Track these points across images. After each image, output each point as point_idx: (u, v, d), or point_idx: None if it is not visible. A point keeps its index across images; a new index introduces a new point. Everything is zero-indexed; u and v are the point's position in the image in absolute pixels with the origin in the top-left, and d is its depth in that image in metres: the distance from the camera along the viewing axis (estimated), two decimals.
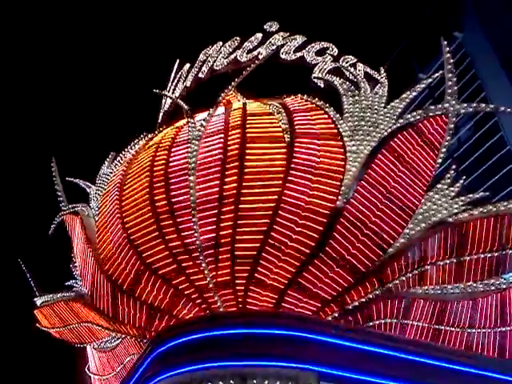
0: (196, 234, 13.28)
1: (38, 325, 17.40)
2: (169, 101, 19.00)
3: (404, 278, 13.62)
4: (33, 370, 30.11)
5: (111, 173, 16.92)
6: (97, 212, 16.13)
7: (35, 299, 17.39)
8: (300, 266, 13.17)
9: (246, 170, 13.69)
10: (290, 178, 13.58)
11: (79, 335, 16.57)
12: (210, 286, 13.26)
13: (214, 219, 13.36)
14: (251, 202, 13.40)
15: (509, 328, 14.19)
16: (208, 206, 13.47)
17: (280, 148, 14.18)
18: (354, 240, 13.34)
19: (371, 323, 13.32)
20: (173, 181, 14.09)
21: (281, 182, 13.53)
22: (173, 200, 13.85)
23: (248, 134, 14.36)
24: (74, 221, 16.83)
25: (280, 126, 14.74)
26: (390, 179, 13.91)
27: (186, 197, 13.66)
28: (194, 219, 13.38)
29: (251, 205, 13.38)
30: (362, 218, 13.44)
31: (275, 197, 13.39)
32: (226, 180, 13.66)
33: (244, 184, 13.51)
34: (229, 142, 14.24)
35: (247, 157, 13.89)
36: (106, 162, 17.73)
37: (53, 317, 16.79)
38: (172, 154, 14.68)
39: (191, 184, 13.63)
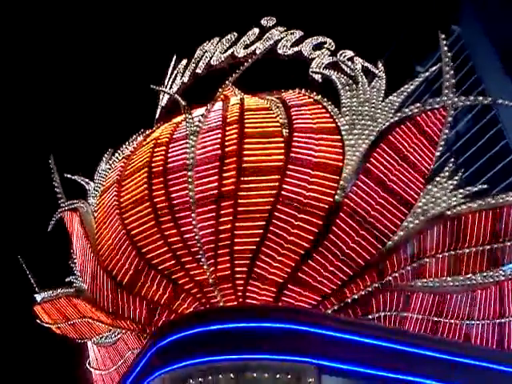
0: (195, 230, 13.27)
1: (38, 321, 17.45)
2: (166, 96, 18.98)
3: (403, 271, 13.67)
4: (34, 366, 30.18)
5: (109, 169, 16.90)
6: (95, 208, 16.13)
7: (35, 295, 17.43)
8: (299, 259, 13.20)
9: (244, 166, 13.67)
10: (288, 172, 13.57)
11: (79, 331, 16.61)
12: (210, 280, 13.28)
13: (213, 215, 13.35)
14: (250, 197, 13.39)
15: (508, 319, 14.24)
16: (207, 201, 13.45)
17: (278, 143, 14.17)
18: (353, 234, 13.37)
19: (370, 316, 13.35)
20: (171, 177, 14.05)
21: (279, 176, 13.53)
22: (172, 196, 13.82)
23: (246, 130, 14.34)
24: (72, 217, 16.82)
25: (278, 121, 14.72)
26: (389, 173, 13.92)
27: (184, 192, 13.63)
28: (193, 214, 13.37)
29: (250, 200, 13.36)
30: (360, 211, 13.47)
31: (274, 191, 13.39)
32: (225, 176, 13.64)
33: (242, 179, 13.50)
34: (226, 138, 14.21)
35: (245, 152, 13.88)
36: (104, 159, 17.69)
37: (53, 313, 16.82)
38: (170, 150, 14.64)
39: (190, 180, 13.61)
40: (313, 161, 13.88)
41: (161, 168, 14.34)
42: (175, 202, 13.75)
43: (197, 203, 13.44)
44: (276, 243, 13.17)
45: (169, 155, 14.54)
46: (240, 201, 13.36)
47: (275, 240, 13.16)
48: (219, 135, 14.32)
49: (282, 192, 13.37)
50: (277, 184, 13.46)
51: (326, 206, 13.34)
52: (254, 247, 13.16)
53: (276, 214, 13.22)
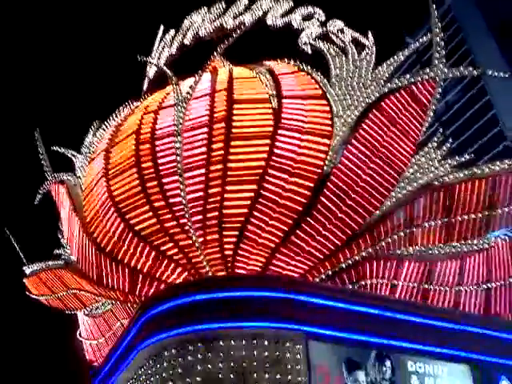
0: (182, 194, 13.11)
1: (28, 293, 17.47)
2: (154, 68, 18.71)
3: (390, 240, 13.79)
4: (25, 337, 30.32)
5: (97, 141, 16.75)
6: (83, 179, 16.02)
7: (24, 268, 17.41)
8: (289, 226, 13.19)
9: (234, 131, 13.53)
10: (278, 137, 13.46)
11: (69, 302, 16.65)
12: (197, 245, 13.23)
13: (202, 180, 13.21)
14: (240, 161, 13.25)
15: (494, 284, 14.56)
16: (195, 167, 13.31)
17: (267, 108, 14.01)
18: (341, 204, 13.41)
19: (361, 283, 13.50)
20: (159, 143, 13.91)
21: (269, 141, 13.39)
22: (159, 161, 13.67)
23: (235, 96, 14.17)
24: (60, 190, 16.70)
25: (266, 90, 14.57)
26: (377, 144, 13.93)
27: (172, 158, 13.46)
28: (180, 179, 13.16)
29: (240, 164, 13.22)
30: (349, 181, 13.50)
31: (264, 156, 13.27)
32: (213, 141, 13.49)
33: (232, 145, 13.36)
34: (215, 104, 14.05)
35: (234, 117, 13.73)
36: (91, 131, 17.51)
37: (42, 285, 16.85)
38: (159, 117, 14.49)
39: (178, 145, 13.40)
40: (302, 131, 13.81)
41: (149, 135, 14.19)
42: (162, 167, 13.57)
43: (185, 167, 13.25)
44: (267, 208, 13.10)
45: (157, 122, 14.39)
46: (230, 165, 13.20)
47: (266, 205, 13.09)
48: (208, 101, 14.15)
49: (273, 157, 13.26)
50: (267, 149, 13.35)
51: (317, 171, 13.33)
52: (245, 213, 13.07)
53: (267, 178, 13.12)
